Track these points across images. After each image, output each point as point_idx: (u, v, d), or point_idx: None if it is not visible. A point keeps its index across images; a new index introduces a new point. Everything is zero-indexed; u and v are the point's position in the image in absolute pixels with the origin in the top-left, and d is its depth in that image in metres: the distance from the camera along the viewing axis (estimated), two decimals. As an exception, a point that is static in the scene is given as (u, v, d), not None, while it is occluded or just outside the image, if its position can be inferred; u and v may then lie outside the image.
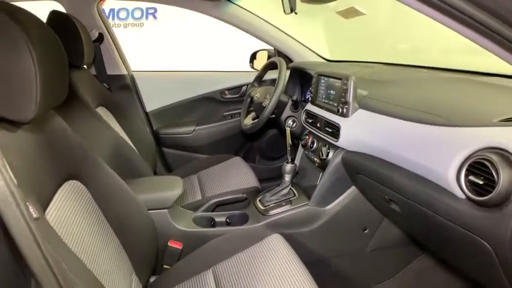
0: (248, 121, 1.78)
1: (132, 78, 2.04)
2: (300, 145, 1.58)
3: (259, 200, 1.43)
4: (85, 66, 1.60)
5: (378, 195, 1.12)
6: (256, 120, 1.64)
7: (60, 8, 1.73)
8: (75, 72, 1.43)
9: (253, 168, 1.78)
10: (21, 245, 0.39)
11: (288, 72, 1.87)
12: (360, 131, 1.17)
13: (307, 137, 1.49)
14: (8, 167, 0.39)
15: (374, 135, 1.10)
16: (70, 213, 0.79)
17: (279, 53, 2.07)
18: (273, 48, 2.10)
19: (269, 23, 1.97)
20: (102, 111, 1.54)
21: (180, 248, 1.27)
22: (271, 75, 1.88)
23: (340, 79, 1.27)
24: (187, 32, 4.18)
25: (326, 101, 1.37)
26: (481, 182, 0.69)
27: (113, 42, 1.93)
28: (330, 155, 1.31)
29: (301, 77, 1.89)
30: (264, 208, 1.38)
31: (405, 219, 1.10)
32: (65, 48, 0.77)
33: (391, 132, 1.02)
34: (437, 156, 0.82)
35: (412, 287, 1.42)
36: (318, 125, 1.40)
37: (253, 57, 2.18)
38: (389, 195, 1.04)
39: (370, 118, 1.14)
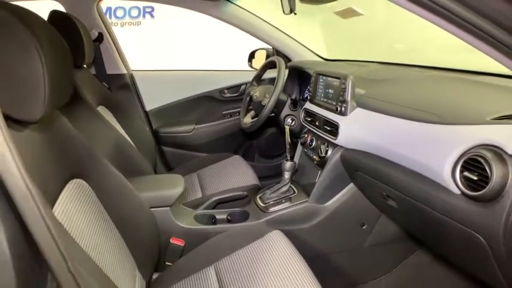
0: (248, 120, 1.79)
1: (132, 78, 2.05)
2: (299, 143, 1.60)
3: (260, 198, 1.45)
4: (84, 66, 1.62)
5: (376, 191, 1.14)
6: (256, 118, 1.65)
7: (59, 8, 1.74)
8: (77, 72, 1.45)
9: (253, 166, 1.80)
10: (38, 239, 0.41)
11: (287, 71, 1.89)
12: (358, 129, 1.19)
13: (306, 135, 1.51)
14: (21, 163, 0.41)
15: (372, 133, 1.12)
16: (75, 211, 0.81)
17: (278, 52, 2.09)
18: (271, 47, 2.11)
19: (268, 22, 1.98)
20: (102, 111, 1.56)
21: (182, 245, 1.29)
22: (269, 74, 1.90)
23: (338, 78, 1.29)
24: (185, 31, 4.18)
25: (325, 100, 1.39)
26: (475, 178, 0.72)
27: (113, 42, 1.94)
28: (329, 152, 1.33)
29: (300, 76, 1.90)
30: (264, 205, 1.40)
31: (402, 215, 1.13)
32: None
33: (389, 130, 1.04)
34: (433, 153, 0.84)
35: (409, 281, 1.45)
36: (317, 123, 1.42)
37: (251, 56, 2.20)
38: (386, 191, 1.06)
39: (368, 116, 1.16)
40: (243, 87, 2.17)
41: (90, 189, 0.91)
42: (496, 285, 0.83)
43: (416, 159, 0.90)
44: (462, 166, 0.76)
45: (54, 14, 1.42)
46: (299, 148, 1.64)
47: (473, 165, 0.73)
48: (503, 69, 0.64)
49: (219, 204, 1.54)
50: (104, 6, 1.88)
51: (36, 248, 0.42)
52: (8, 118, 0.61)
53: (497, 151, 0.70)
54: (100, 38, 1.84)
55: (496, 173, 0.68)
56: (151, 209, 1.15)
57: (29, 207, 0.40)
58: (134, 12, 4.42)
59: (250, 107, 1.85)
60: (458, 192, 0.78)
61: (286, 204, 1.38)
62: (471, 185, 0.74)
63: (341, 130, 1.25)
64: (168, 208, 1.29)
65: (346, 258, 1.42)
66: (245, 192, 1.55)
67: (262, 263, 1.03)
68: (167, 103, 2.14)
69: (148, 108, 2.12)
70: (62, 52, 0.74)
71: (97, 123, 1.38)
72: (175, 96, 2.15)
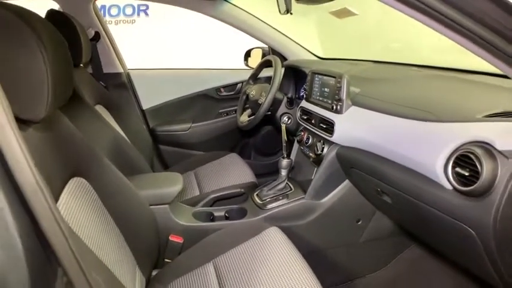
0: (244, 118, 1.81)
1: (128, 76, 2.06)
2: (296, 141, 1.62)
3: (257, 195, 1.47)
4: (81, 65, 1.62)
5: (371, 188, 1.16)
6: (253, 117, 1.67)
7: (55, 6, 1.74)
8: (74, 71, 1.45)
9: (249, 164, 1.82)
10: (48, 234, 0.42)
11: (283, 70, 1.90)
12: (353, 127, 1.21)
13: (302, 133, 1.53)
14: (31, 159, 0.43)
15: (367, 130, 1.14)
16: (77, 209, 0.82)
17: (273, 51, 2.10)
18: (267, 46, 2.13)
19: (263, 21, 1.99)
20: (100, 110, 1.56)
21: (181, 242, 1.30)
22: (265, 72, 1.91)
23: (334, 77, 1.31)
24: (180, 30, 4.17)
25: (320, 98, 1.41)
26: (466, 174, 0.75)
27: (109, 41, 1.95)
28: (325, 150, 1.35)
29: (296, 75, 1.92)
30: (261, 202, 1.42)
31: (396, 210, 1.15)
32: None
33: (383, 127, 1.07)
34: (426, 150, 0.87)
35: (404, 275, 1.47)
36: (313, 121, 1.44)
37: (247, 55, 2.21)
38: (381, 187, 1.09)
39: (363, 114, 1.19)
40: (239, 85, 2.19)
41: (91, 188, 0.92)
42: (487, 278, 0.86)
43: (410, 156, 0.93)
44: (454, 162, 0.78)
45: (51, 13, 1.42)
46: (295, 146, 1.65)
47: (464, 161, 0.76)
48: (493, 68, 0.66)
49: (216, 201, 1.55)
50: (98, 4, 1.87)
51: (45, 242, 0.43)
52: None
53: (487, 147, 0.73)
54: (97, 37, 1.84)
55: (486, 168, 0.70)
56: (151, 207, 1.16)
57: (39, 202, 0.41)
58: (128, 11, 4.40)
59: (247, 106, 1.86)
60: (450, 187, 0.80)
61: (283, 201, 1.40)
62: (462, 181, 0.76)
63: (336, 128, 1.27)
64: (167, 206, 1.30)
65: (342, 253, 1.45)
66: (242, 190, 1.57)
67: (260, 259, 1.05)
68: (164, 102, 2.15)
69: (145, 106, 2.13)
70: (64, 52, 0.75)
71: (95, 122, 1.39)
72: (172, 94, 2.16)
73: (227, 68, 2.31)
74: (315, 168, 1.44)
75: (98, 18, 1.87)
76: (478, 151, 0.72)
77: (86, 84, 1.52)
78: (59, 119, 0.87)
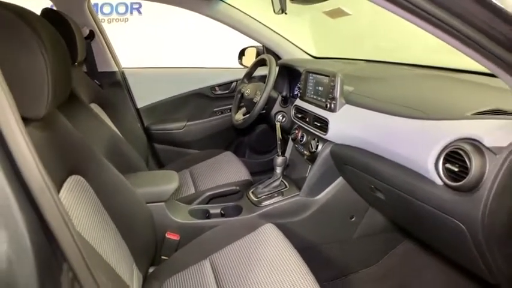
0: (239, 116, 1.82)
1: (123, 75, 2.06)
2: (290, 139, 1.64)
3: (252, 192, 1.49)
4: (76, 64, 1.62)
5: (364, 184, 1.19)
6: (247, 115, 1.68)
7: (48, 5, 1.73)
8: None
9: (244, 162, 1.83)
10: (55, 230, 0.43)
11: (277, 69, 1.92)
12: (347, 124, 1.23)
13: (296, 131, 1.55)
14: (37, 157, 0.44)
15: (360, 128, 1.16)
16: (75, 207, 0.83)
17: (268, 50, 2.12)
18: (261, 45, 2.14)
19: (258, 21, 2.01)
20: (94, 108, 1.56)
21: (177, 239, 1.31)
22: (260, 71, 1.93)
23: (327, 76, 1.33)
24: (174, 28, 4.16)
25: (314, 97, 1.43)
26: (456, 169, 0.77)
27: (104, 39, 1.94)
28: (319, 147, 1.37)
29: (290, 74, 1.94)
30: (256, 199, 1.44)
31: (389, 206, 1.18)
32: None
33: (376, 125, 1.09)
34: (418, 147, 0.89)
35: (397, 270, 1.50)
36: (307, 119, 1.46)
37: (241, 53, 2.22)
38: (374, 184, 1.11)
39: (356, 113, 1.21)
40: (233, 84, 2.20)
41: (88, 185, 0.93)
42: (477, 271, 0.89)
43: (402, 153, 0.95)
44: (444, 159, 0.81)
45: (46, 12, 1.42)
46: (290, 144, 1.67)
47: (454, 157, 0.78)
48: (482, 68, 0.69)
49: (212, 199, 1.56)
50: (91, 2, 1.86)
51: (51, 238, 0.45)
52: None
53: (476, 144, 0.75)
54: (91, 35, 1.84)
55: (474, 164, 0.73)
56: (147, 204, 1.17)
57: (46, 199, 0.42)
58: (121, 9, 4.38)
59: (242, 104, 1.88)
60: (441, 183, 0.83)
61: (278, 198, 1.42)
62: (452, 176, 0.79)
63: (330, 126, 1.29)
64: (163, 203, 1.31)
65: (336, 249, 1.47)
66: (238, 187, 1.58)
67: (256, 255, 1.06)
68: (158, 100, 2.15)
69: (139, 105, 2.13)
70: (62, 51, 0.76)
71: (92, 121, 1.39)
72: (167, 93, 2.16)
73: (222, 67, 2.32)
74: (309, 166, 1.46)
75: (93, 17, 1.87)
76: (467, 148, 0.75)
77: (81, 83, 1.52)
78: (56, 117, 0.88)
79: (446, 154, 0.80)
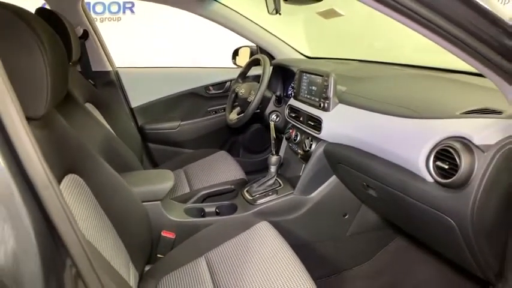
0: (233, 116, 1.83)
1: (117, 75, 2.06)
2: (284, 138, 1.66)
3: (247, 191, 1.50)
4: (70, 63, 1.61)
5: (357, 182, 1.21)
6: (242, 115, 1.69)
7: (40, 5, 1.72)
8: None
9: (238, 161, 1.84)
10: (59, 227, 0.44)
11: (271, 68, 1.94)
12: (340, 124, 1.25)
13: (290, 131, 1.57)
14: (42, 156, 0.45)
15: (353, 127, 1.18)
16: (72, 205, 0.83)
17: (261, 50, 2.13)
18: (255, 45, 2.16)
19: (252, 21, 2.02)
20: (89, 108, 1.56)
21: (173, 237, 1.32)
22: (254, 71, 1.94)
23: (321, 76, 1.35)
24: (167, 27, 4.16)
25: (308, 97, 1.45)
26: (446, 167, 0.79)
27: (98, 39, 1.94)
28: (313, 146, 1.39)
29: (283, 74, 1.96)
30: (251, 198, 1.45)
31: (381, 203, 1.20)
32: None
33: (368, 124, 1.11)
34: (409, 145, 0.91)
35: (389, 266, 1.53)
36: (301, 118, 1.48)
37: (235, 53, 2.23)
38: (367, 181, 1.13)
39: (349, 112, 1.23)
40: (227, 84, 2.21)
41: (85, 184, 0.93)
42: (467, 266, 0.91)
43: (394, 151, 0.97)
44: (435, 156, 0.83)
45: (40, 11, 1.41)
46: (284, 143, 1.69)
47: (444, 155, 0.80)
48: (471, 68, 0.71)
49: (207, 198, 1.57)
50: (83, 1, 1.86)
51: (55, 235, 0.45)
52: None
53: (466, 142, 0.77)
54: (85, 35, 1.84)
55: (464, 161, 0.75)
56: (143, 203, 1.17)
57: (50, 196, 0.43)
58: (114, 8, 4.36)
59: (236, 104, 1.89)
60: (431, 180, 0.85)
61: (273, 197, 1.43)
62: (443, 173, 0.81)
63: (324, 125, 1.31)
64: (159, 202, 1.32)
65: (330, 246, 1.49)
66: (232, 186, 1.59)
67: (251, 252, 1.07)
68: (152, 100, 2.15)
69: (133, 105, 2.12)
70: (61, 51, 0.77)
71: (87, 120, 1.39)
72: (161, 93, 2.16)
73: (216, 67, 2.33)
74: (303, 165, 1.48)
75: (87, 16, 1.86)
76: (457, 145, 0.77)
77: (75, 83, 1.52)
78: (54, 117, 0.88)
79: (437, 152, 0.82)
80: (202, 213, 1.46)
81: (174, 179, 1.35)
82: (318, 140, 1.37)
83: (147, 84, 2.14)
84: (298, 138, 1.50)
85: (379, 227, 1.51)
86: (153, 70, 2.26)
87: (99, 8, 4.33)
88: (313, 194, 1.41)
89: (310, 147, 1.40)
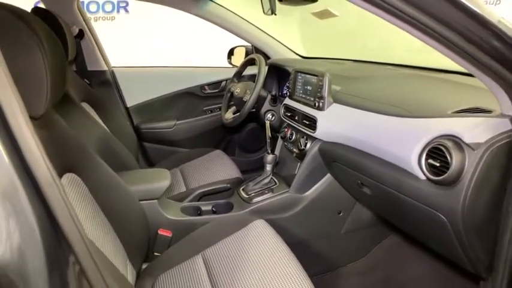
0: (229, 115, 1.84)
1: (113, 74, 2.06)
2: (279, 137, 1.67)
3: (243, 189, 1.51)
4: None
5: (351, 180, 1.23)
6: (238, 114, 1.70)
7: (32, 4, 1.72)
8: None
9: (233, 160, 1.85)
10: (63, 225, 0.45)
11: (267, 68, 1.95)
12: (335, 123, 1.27)
13: (286, 130, 1.59)
14: (46, 154, 0.46)
15: (347, 126, 1.20)
16: (70, 204, 0.84)
17: (257, 50, 2.14)
18: (250, 44, 2.17)
19: (247, 20, 2.03)
20: (85, 107, 1.56)
21: (170, 236, 1.33)
22: (249, 70, 1.95)
23: (316, 76, 1.37)
24: (161, 27, 4.15)
25: (303, 96, 1.47)
26: (438, 165, 0.81)
27: (93, 38, 1.94)
28: (308, 145, 1.41)
29: (279, 73, 1.97)
30: (247, 196, 1.46)
31: (375, 201, 1.22)
32: None
33: (362, 123, 1.13)
34: (402, 143, 0.93)
35: (383, 263, 1.55)
36: (296, 118, 1.49)
37: (230, 53, 2.24)
38: (361, 179, 1.15)
39: (344, 111, 1.24)
40: (223, 83, 2.22)
41: (83, 183, 0.94)
42: (459, 262, 0.93)
43: (387, 150, 0.99)
44: (427, 154, 0.85)
45: (36, 11, 1.41)
46: (279, 142, 1.70)
47: (436, 153, 0.82)
48: (462, 68, 0.72)
49: (203, 196, 1.58)
50: (77, 0, 1.85)
51: (59, 232, 0.47)
52: None
53: (456, 140, 0.79)
54: (81, 34, 1.84)
55: (455, 159, 0.77)
56: (140, 202, 1.18)
57: (54, 194, 0.44)
58: (108, 7, 4.34)
59: (232, 103, 1.89)
60: (423, 177, 0.87)
61: (269, 195, 1.44)
62: (434, 171, 0.83)
63: (319, 124, 1.33)
64: (155, 201, 1.33)
65: (325, 243, 1.50)
66: (228, 185, 1.61)
67: (247, 250, 1.09)
68: (148, 99, 2.16)
69: (129, 104, 2.13)
70: (59, 51, 0.78)
71: (84, 119, 1.40)
72: (156, 92, 2.16)
73: (211, 66, 2.33)
74: (299, 163, 1.50)
75: (82, 16, 1.86)
76: (448, 144, 0.79)
77: (71, 82, 1.52)
78: (52, 116, 0.89)
79: (429, 150, 0.84)
80: (198, 212, 1.47)
81: (170, 178, 1.36)
82: (313, 139, 1.39)
83: (143, 84, 2.15)
84: (294, 137, 1.52)
85: (373, 224, 1.54)
86: (148, 69, 2.25)
87: (93, 7, 4.31)
88: (308, 192, 1.43)
89: (305, 146, 1.42)
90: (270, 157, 1.45)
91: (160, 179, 1.34)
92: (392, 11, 0.61)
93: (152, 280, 1.08)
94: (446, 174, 0.79)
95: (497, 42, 0.62)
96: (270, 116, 1.72)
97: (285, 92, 1.96)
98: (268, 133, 1.44)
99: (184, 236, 1.25)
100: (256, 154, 2.36)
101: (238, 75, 1.93)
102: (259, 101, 1.70)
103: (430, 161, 0.83)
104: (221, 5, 1.97)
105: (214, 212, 1.47)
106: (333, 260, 1.54)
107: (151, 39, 4.20)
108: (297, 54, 2.16)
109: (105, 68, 2.02)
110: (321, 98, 1.33)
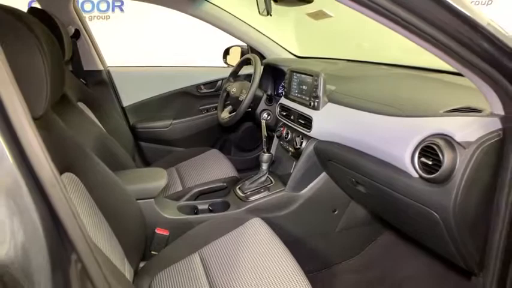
0: (225, 114, 1.85)
1: (109, 74, 2.06)
2: (275, 136, 1.69)
3: (239, 188, 1.52)
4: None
5: (346, 178, 1.24)
6: (234, 113, 1.72)
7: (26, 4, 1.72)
8: None
9: (230, 159, 1.86)
10: (66, 224, 0.46)
11: (262, 68, 1.96)
12: (330, 122, 1.29)
13: (281, 129, 1.60)
14: (48, 154, 0.47)
15: (342, 125, 1.22)
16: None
17: (252, 49, 2.15)
18: (245, 44, 2.18)
19: (242, 20, 2.04)
20: (82, 107, 1.57)
21: (167, 234, 1.33)
22: (245, 70, 1.96)
23: (311, 75, 1.38)
24: (156, 26, 4.14)
25: (299, 95, 1.48)
26: (430, 163, 0.83)
27: (89, 38, 1.94)
28: (303, 144, 1.42)
29: (274, 73, 1.98)
30: (243, 195, 1.47)
31: (370, 199, 1.24)
32: None
33: (357, 123, 1.14)
34: (395, 142, 0.95)
35: (378, 260, 1.57)
36: (292, 117, 1.51)
37: (226, 52, 2.25)
38: (356, 178, 1.17)
39: (339, 111, 1.26)
40: (219, 83, 2.22)
41: (80, 183, 0.94)
42: (451, 258, 0.95)
43: (381, 148, 1.01)
44: (419, 153, 0.87)
45: (32, 10, 1.41)
46: (275, 141, 1.72)
47: (428, 151, 0.84)
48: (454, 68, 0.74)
49: (200, 195, 1.59)
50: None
51: (62, 230, 0.47)
52: None
53: (448, 139, 0.81)
54: (77, 34, 1.83)
55: (446, 158, 0.79)
56: (137, 201, 1.19)
57: (57, 194, 0.45)
58: (103, 6, 4.32)
59: (228, 102, 1.91)
60: (416, 175, 0.89)
61: (265, 194, 1.46)
62: (427, 169, 0.85)
63: (314, 123, 1.34)
64: (152, 200, 1.33)
65: (320, 241, 1.52)
66: (225, 184, 1.61)
67: (244, 248, 1.10)
68: (144, 99, 2.16)
69: (125, 104, 2.13)
70: (57, 51, 0.78)
71: (80, 119, 1.40)
72: (152, 92, 2.17)
73: (207, 66, 2.34)
74: (294, 162, 1.51)
75: (78, 16, 1.86)
76: (440, 142, 0.81)
77: (67, 82, 1.52)
78: (50, 116, 0.89)
79: (421, 149, 0.86)
80: (195, 211, 1.48)
81: (167, 177, 1.36)
82: (309, 138, 1.40)
83: (139, 83, 2.15)
84: (289, 136, 1.53)
85: (368, 222, 1.55)
86: (144, 69, 2.26)
87: (87, 6, 4.28)
88: (303, 191, 1.44)
89: (300, 145, 1.43)
90: (266, 156, 1.47)
91: (157, 178, 1.35)
92: (382, 12, 0.62)
93: (150, 278, 1.09)
94: (438, 172, 0.81)
95: (486, 44, 0.64)
96: (266, 115, 1.73)
97: (280, 91, 1.97)
98: (264, 132, 1.45)
99: (182, 235, 1.26)
100: (252, 153, 2.37)
101: (234, 75, 1.94)
102: (255, 100, 1.71)
103: (423, 159, 0.85)
104: (217, 5, 1.98)
105: (210, 211, 1.48)
106: (329, 257, 1.55)
107: (147, 39, 4.18)
108: (292, 54, 2.17)
109: (101, 67, 2.02)
110: (316, 97, 1.35)
